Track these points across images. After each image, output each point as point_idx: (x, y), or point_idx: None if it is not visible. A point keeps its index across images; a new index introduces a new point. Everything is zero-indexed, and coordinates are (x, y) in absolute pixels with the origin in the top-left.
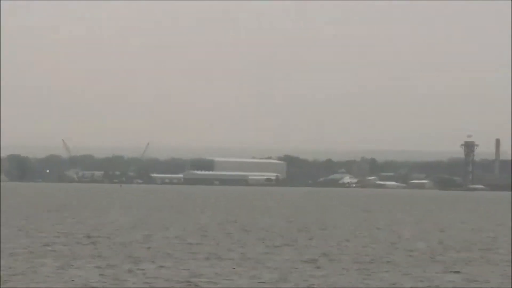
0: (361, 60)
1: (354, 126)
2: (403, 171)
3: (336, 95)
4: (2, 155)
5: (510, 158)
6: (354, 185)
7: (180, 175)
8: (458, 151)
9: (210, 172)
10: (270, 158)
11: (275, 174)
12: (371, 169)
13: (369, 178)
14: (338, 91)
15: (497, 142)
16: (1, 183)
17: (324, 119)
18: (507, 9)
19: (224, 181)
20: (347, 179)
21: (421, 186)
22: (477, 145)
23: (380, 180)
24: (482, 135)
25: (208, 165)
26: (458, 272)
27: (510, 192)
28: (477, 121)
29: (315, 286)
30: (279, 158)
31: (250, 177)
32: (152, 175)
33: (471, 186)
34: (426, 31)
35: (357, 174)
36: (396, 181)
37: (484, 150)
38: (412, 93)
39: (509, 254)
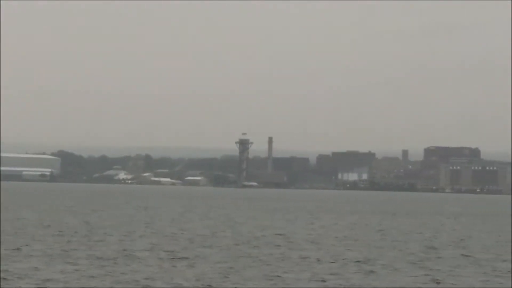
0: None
1: (130, 122)
2: (178, 167)
3: (111, 94)
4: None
5: (283, 156)
6: (129, 182)
7: None
8: (232, 149)
9: None
10: (44, 153)
11: (49, 169)
12: (146, 165)
13: (145, 174)
14: (112, 89)
15: (270, 139)
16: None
17: (100, 116)
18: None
19: None
20: (122, 175)
21: (196, 183)
22: (252, 143)
23: (156, 177)
24: (256, 133)
25: None
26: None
27: (283, 189)
28: (251, 119)
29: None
30: (53, 154)
31: (24, 172)
32: None
33: (246, 183)
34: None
35: (132, 171)
36: (171, 178)
37: (258, 148)
38: (184, 91)
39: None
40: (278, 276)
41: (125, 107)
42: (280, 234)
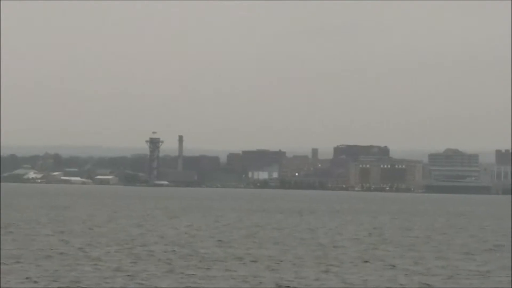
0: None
1: (39, 121)
2: (87, 166)
3: (19, 92)
4: None
5: (193, 154)
6: (39, 181)
7: None
8: (143, 147)
9: None
10: None
11: None
12: (55, 164)
13: (54, 173)
14: (20, 87)
15: (180, 138)
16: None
17: (8, 115)
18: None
19: None
20: (31, 174)
21: (106, 182)
22: (162, 142)
23: (65, 176)
24: (166, 132)
25: None
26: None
27: (194, 188)
28: (161, 117)
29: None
30: None
31: None
32: None
33: (157, 182)
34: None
35: (42, 170)
36: (81, 177)
37: (168, 146)
38: (93, 89)
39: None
40: (181, 272)
41: (33, 106)
42: (186, 233)
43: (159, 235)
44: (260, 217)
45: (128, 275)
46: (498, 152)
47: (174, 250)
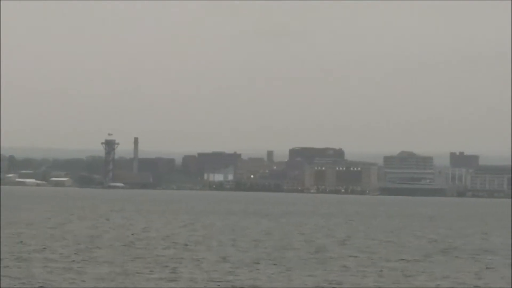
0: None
1: None
2: (42, 168)
3: None
4: None
5: (149, 156)
6: None
7: None
8: (98, 149)
9: None
10: None
11: None
12: (10, 166)
13: (9, 175)
14: None
15: (136, 140)
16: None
17: None
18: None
19: None
20: None
21: (61, 184)
22: (118, 144)
23: (20, 178)
24: (122, 134)
25: None
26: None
27: (149, 190)
28: (117, 119)
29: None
30: None
31: None
32: None
33: (112, 184)
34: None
35: None
36: (36, 179)
37: (123, 148)
38: (49, 91)
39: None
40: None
41: None
42: (133, 234)
43: (113, 237)
44: (215, 219)
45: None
46: (452, 154)
47: (126, 251)
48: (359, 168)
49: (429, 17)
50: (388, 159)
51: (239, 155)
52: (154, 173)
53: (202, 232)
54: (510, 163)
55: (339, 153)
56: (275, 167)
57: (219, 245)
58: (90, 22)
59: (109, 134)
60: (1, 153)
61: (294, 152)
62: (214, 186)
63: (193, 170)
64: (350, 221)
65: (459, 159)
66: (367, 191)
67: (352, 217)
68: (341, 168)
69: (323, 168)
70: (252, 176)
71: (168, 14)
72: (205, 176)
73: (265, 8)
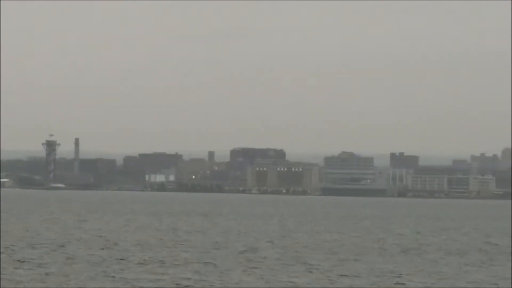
0: None
1: None
2: None
3: None
4: None
5: (89, 157)
6: None
7: None
8: (38, 150)
9: None
10: None
11: None
12: None
13: None
14: None
15: (77, 141)
16: None
17: None
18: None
19: None
20: None
21: (1, 185)
22: (59, 144)
23: None
24: (63, 134)
25: None
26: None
27: (91, 191)
28: (58, 119)
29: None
30: None
31: None
32: None
33: (53, 185)
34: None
35: None
36: None
37: (64, 149)
38: None
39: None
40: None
41: None
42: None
43: (44, 237)
44: (156, 220)
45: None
46: (392, 155)
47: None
48: (300, 169)
49: (371, 23)
50: (328, 160)
51: (181, 155)
52: (95, 173)
53: (137, 233)
54: (450, 164)
55: (280, 153)
56: (216, 168)
57: (144, 245)
58: (30, 18)
59: (50, 135)
60: None
61: (235, 153)
62: (155, 187)
63: (134, 171)
64: (284, 220)
65: (399, 160)
66: (309, 192)
67: (286, 217)
68: (282, 169)
69: (265, 169)
70: (193, 176)
71: (113, 13)
72: (147, 177)
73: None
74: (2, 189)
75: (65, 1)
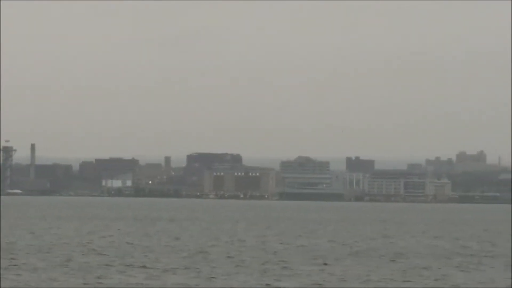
0: None
1: None
2: None
3: None
4: None
5: (46, 163)
6: None
7: None
8: None
9: None
10: None
11: None
12: None
13: None
14: None
15: (33, 147)
16: None
17: None
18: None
19: None
20: None
21: None
22: (15, 150)
23: None
24: (19, 140)
25: None
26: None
27: (48, 197)
28: (13, 125)
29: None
30: None
31: None
32: None
33: (9, 191)
34: None
35: None
36: None
37: (20, 155)
38: None
39: None
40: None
41: None
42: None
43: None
44: (121, 224)
45: None
46: (348, 159)
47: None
48: (257, 174)
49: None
50: (285, 164)
51: (137, 161)
52: (52, 179)
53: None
54: (405, 168)
55: (237, 158)
56: (173, 173)
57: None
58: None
59: (6, 141)
60: None
61: (191, 158)
62: (112, 192)
63: (91, 176)
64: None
65: (355, 164)
66: (266, 196)
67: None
68: (239, 174)
69: (222, 174)
70: (150, 182)
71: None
72: (103, 182)
73: (168, 13)
74: None
75: None
